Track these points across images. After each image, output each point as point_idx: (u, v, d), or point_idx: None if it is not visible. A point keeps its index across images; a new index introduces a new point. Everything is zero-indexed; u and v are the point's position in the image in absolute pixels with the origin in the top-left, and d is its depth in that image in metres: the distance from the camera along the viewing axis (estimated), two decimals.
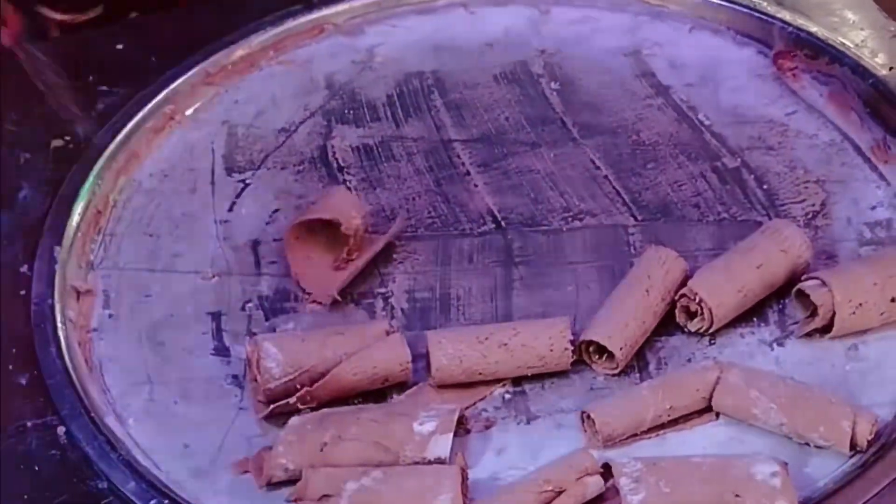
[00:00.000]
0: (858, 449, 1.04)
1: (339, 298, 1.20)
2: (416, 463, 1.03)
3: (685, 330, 1.16)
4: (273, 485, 1.04)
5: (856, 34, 1.44)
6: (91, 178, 1.34)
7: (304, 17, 1.55)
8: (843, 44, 1.42)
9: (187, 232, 1.30)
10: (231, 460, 1.07)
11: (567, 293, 1.21)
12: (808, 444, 1.05)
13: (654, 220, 1.28)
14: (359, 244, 1.22)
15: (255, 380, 1.09)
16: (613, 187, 1.32)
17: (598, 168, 1.34)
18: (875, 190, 1.29)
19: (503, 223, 1.29)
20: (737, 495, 0.98)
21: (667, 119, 1.40)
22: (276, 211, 1.32)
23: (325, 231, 1.22)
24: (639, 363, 1.14)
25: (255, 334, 1.16)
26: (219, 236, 1.29)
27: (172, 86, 1.45)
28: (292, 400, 1.08)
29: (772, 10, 1.48)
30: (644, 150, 1.36)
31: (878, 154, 1.32)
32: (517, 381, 1.12)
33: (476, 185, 1.33)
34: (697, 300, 1.14)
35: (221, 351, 1.17)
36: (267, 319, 1.20)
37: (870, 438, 1.04)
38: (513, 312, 1.19)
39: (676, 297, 1.15)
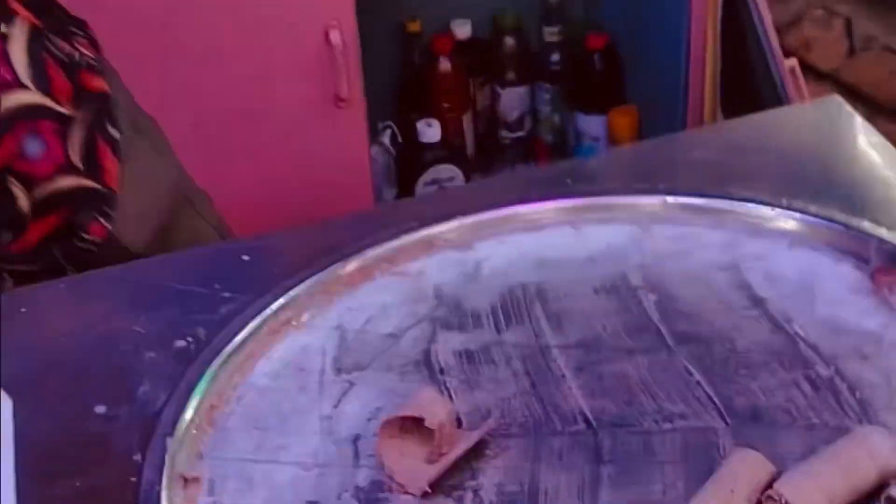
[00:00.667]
0: None
1: (429, 490, 1.24)
2: None
3: None
4: None
5: None
6: (207, 376, 1.42)
7: (417, 233, 1.64)
8: None
9: (294, 427, 1.36)
10: None
11: (653, 492, 1.22)
12: None
13: (745, 425, 1.29)
14: (447, 439, 1.26)
15: None
16: (705, 392, 1.34)
17: (690, 374, 1.37)
18: None
19: (594, 423, 1.32)
20: None
21: (761, 329, 1.43)
22: (379, 409, 1.37)
23: (417, 428, 1.28)
24: None
25: None
26: (322, 431, 1.35)
27: (291, 293, 1.54)
28: None
29: (869, 227, 1.52)
30: (737, 357, 1.39)
31: None
32: None
33: (570, 388, 1.37)
34: (783, 502, 1.14)
35: None
36: None
37: None
38: None
39: (763, 499, 1.16)
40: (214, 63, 2.45)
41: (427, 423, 1.26)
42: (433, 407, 1.29)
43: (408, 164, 3.02)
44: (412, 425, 1.29)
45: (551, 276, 1.57)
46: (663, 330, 1.45)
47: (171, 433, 1.34)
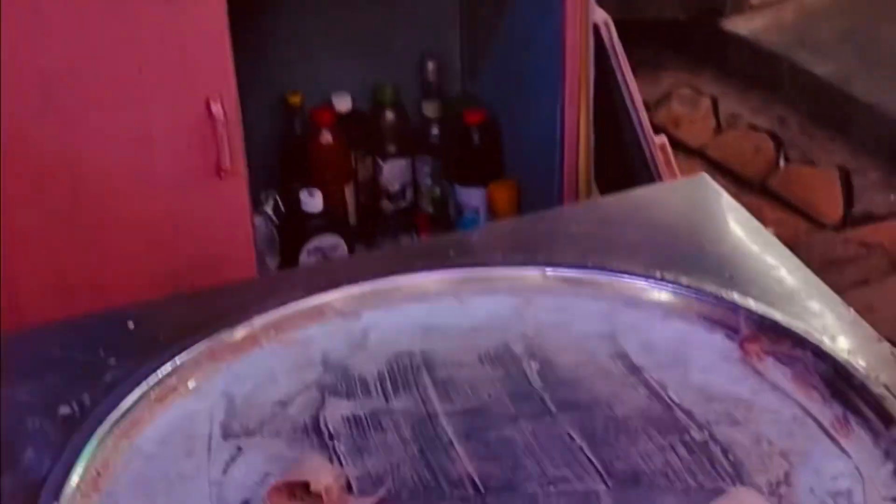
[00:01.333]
0: None
1: None
2: None
3: None
4: None
5: (816, 320, 1.54)
6: (93, 442, 1.42)
7: (304, 301, 1.67)
8: (804, 329, 1.52)
9: (182, 493, 1.37)
10: None
11: None
12: None
13: (625, 488, 1.34)
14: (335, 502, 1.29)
15: None
16: (587, 456, 1.39)
17: (573, 439, 1.42)
18: (836, 461, 1.36)
19: (482, 488, 1.35)
20: None
21: (639, 396, 1.48)
22: (268, 474, 1.38)
23: (307, 495, 1.30)
24: None
25: None
26: (211, 497, 1.36)
27: (177, 360, 1.55)
28: None
29: (738, 298, 1.59)
30: (617, 423, 1.44)
31: (838, 429, 1.39)
32: None
33: (458, 454, 1.41)
34: None
35: None
36: None
37: None
38: None
39: None
40: (95, 132, 2.44)
41: (312, 488, 1.29)
42: (319, 471, 1.32)
43: (291, 233, 3.04)
44: (302, 492, 1.31)
45: (437, 344, 1.60)
46: (546, 397, 1.49)
47: (56, 500, 1.34)
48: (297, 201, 3.02)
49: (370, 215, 3.34)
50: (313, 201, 3.00)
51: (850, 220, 3.59)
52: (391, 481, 1.36)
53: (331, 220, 3.06)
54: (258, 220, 2.91)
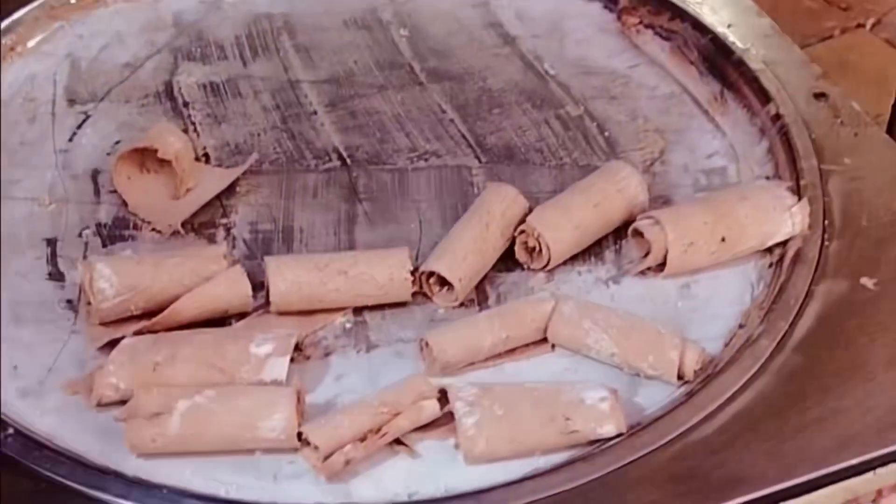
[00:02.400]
0: (686, 379, 1.07)
1: (179, 229, 1.19)
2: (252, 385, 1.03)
3: (525, 267, 1.18)
4: (103, 405, 1.02)
5: None
6: None
7: None
8: (684, 1, 1.45)
9: (25, 160, 1.27)
10: (61, 381, 1.05)
11: (410, 229, 1.22)
12: (638, 374, 1.08)
13: (498, 163, 1.30)
14: (189, 173, 1.21)
15: (90, 303, 1.08)
16: (459, 130, 1.33)
17: (444, 112, 1.36)
18: (711, 140, 1.33)
19: (348, 160, 1.29)
20: (567, 418, 1.01)
21: (513, 68, 1.42)
22: (118, 142, 1.30)
23: (160, 166, 1.22)
24: (479, 297, 1.15)
25: None
26: (58, 165, 1.27)
27: (14, 16, 1.42)
28: (129, 334, 1.07)
29: None
30: (490, 96, 1.38)
31: (715, 106, 1.36)
32: (358, 311, 1.13)
33: (322, 124, 1.33)
34: (536, 235, 1.16)
35: (56, 276, 1.15)
36: (104, 246, 1.18)
37: (696, 369, 1.07)
38: (356, 246, 1.20)
39: (516, 234, 1.17)
40: None
41: (160, 154, 1.20)
42: (167, 138, 1.23)
43: None
44: (154, 163, 1.22)
45: (299, 6, 1.50)
46: (415, 67, 1.42)
47: None
48: None
49: None
50: None
51: None
52: (256, 153, 1.28)
53: None
54: None
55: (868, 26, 2.95)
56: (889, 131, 1.71)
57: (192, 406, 0.98)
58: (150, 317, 1.08)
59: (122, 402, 1.01)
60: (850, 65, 2.79)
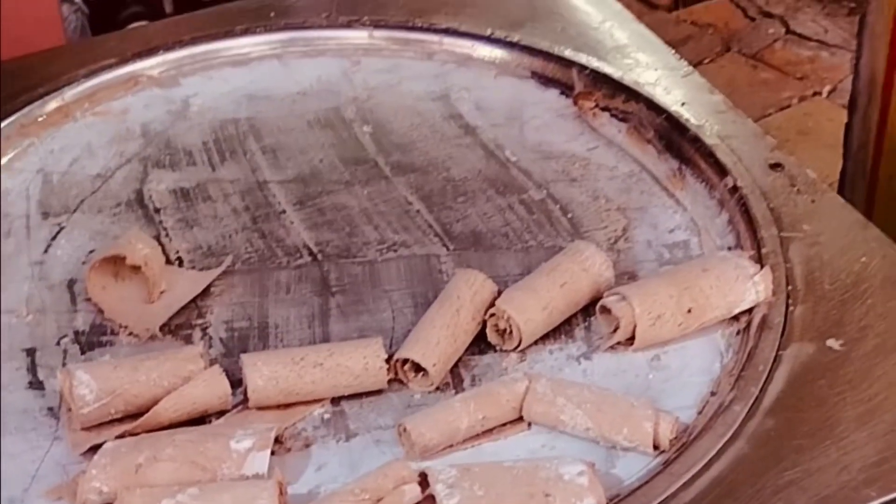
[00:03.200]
0: (661, 449, 1.09)
1: (157, 333, 1.21)
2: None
3: (497, 349, 1.20)
4: None
5: (650, 74, 1.52)
6: None
7: (118, 69, 1.57)
8: (638, 83, 1.50)
9: (2, 273, 1.29)
10: (45, 488, 1.06)
11: (383, 319, 1.24)
12: (614, 447, 1.09)
13: (465, 250, 1.32)
14: (159, 275, 1.24)
15: (70, 409, 1.09)
16: (425, 220, 1.36)
17: (410, 203, 1.39)
18: (673, 215, 1.36)
19: (319, 256, 1.32)
20: (547, 494, 1.02)
21: (475, 157, 1.46)
22: (92, 251, 1.32)
23: (131, 271, 1.25)
24: (454, 380, 1.17)
25: None
26: (34, 277, 1.29)
27: None
28: (111, 438, 1.08)
29: (571, 54, 1.56)
30: (454, 185, 1.41)
31: (674, 182, 1.40)
32: (336, 401, 1.14)
33: (292, 222, 1.36)
34: (506, 318, 1.18)
35: (36, 385, 1.17)
36: (83, 353, 1.20)
37: (671, 438, 1.09)
38: (331, 338, 1.22)
39: (486, 317, 1.20)
40: None
41: (129, 261, 1.22)
42: (135, 245, 1.25)
43: (102, 22, 2.85)
44: (126, 270, 1.25)
45: (263, 110, 1.54)
46: (380, 161, 1.45)
47: None
48: None
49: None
50: None
51: (681, 0, 3.57)
52: (231, 255, 1.31)
53: (144, 4, 2.87)
54: (66, 9, 2.71)
55: (824, 94, 3.03)
56: (840, 192, 1.75)
57: None
58: (131, 419, 1.10)
59: None
60: (809, 131, 2.87)
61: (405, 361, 1.15)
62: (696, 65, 3.27)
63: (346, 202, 1.39)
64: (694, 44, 3.32)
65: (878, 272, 1.24)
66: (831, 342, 1.17)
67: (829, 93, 3.03)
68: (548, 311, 1.19)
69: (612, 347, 1.19)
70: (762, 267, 1.22)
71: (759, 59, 3.20)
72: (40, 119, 1.50)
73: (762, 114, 2.94)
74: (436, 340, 1.15)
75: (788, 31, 3.31)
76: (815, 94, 3.04)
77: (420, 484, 1.03)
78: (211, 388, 1.12)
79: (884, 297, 1.21)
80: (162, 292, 1.25)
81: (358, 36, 1.64)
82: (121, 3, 2.86)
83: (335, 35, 1.64)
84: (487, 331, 1.20)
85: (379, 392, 1.15)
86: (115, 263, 1.25)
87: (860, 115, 1.70)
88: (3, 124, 1.47)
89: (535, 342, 1.20)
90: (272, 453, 1.06)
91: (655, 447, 1.08)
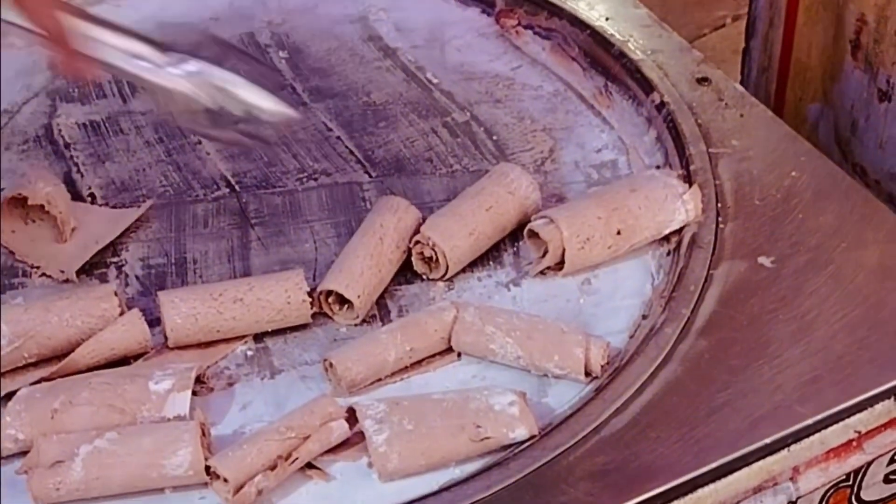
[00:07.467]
0: (593, 375, 1.07)
1: (73, 277, 1.16)
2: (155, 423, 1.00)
3: (424, 278, 1.17)
4: (4, 458, 0.99)
5: None
6: None
7: None
8: None
9: None
10: None
11: (305, 250, 1.20)
12: (546, 375, 1.07)
13: (388, 176, 1.29)
14: (66, 212, 1.19)
15: None
16: (346, 147, 1.32)
17: (330, 130, 1.34)
18: (599, 134, 1.34)
19: (237, 187, 1.27)
20: (478, 426, 1.00)
21: (396, 80, 1.41)
22: (2, 190, 1.27)
23: (41, 211, 1.19)
24: (380, 312, 1.14)
25: None
26: None
27: None
28: (26, 384, 1.04)
29: None
30: (375, 110, 1.37)
31: (600, 100, 1.37)
32: (259, 337, 1.11)
33: (208, 153, 1.31)
34: (431, 245, 1.15)
35: None
36: None
37: (603, 363, 1.07)
38: (252, 272, 1.18)
39: (411, 245, 1.17)
40: None
41: (30, 201, 1.17)
42: (36, 182, 1.20)
43: None
44: (36, 211, 1.19)
45: (176, 37, 1.47)
46: (297, 87, 1.40)
47: None
48: None
49: None
50: None
51: None
52: (151, 201, 1.26)
53: None
54: None
55: None
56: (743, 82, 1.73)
57: (94, 450, 0.95)
58: (47, 364, 1.06)
59: (24, 454, 0.98)
60: None
61: (329, 294, 1.12)
62: None
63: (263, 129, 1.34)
64: None
65: (809, 187, 1.22)
66: (762, 259, 1.15)
67: None
68: (474, 237, 1.16)
69: (541, 273, 1.17)
70: (691, 185, 1.19)
71: None
72: None
73: (697, 34, 2.90)
74: (360, 271, 1.12)
75: None
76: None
77: (348, 420, 1.01)
78: (129, 332, 1.08)
79: (815, 212, 1.19)
80: (74, 230, 1.20)
81: None
82: None
83: None
84: (413, 259, 1.17)
85: (303, 327, 1.12)
86: (23, 205, 1.20)
87: (759, 41, 1.68)
88: None
89: (463, 270, 1.17)
90: (194, 393, 1.03)
91: (587, 374, 1.06)
